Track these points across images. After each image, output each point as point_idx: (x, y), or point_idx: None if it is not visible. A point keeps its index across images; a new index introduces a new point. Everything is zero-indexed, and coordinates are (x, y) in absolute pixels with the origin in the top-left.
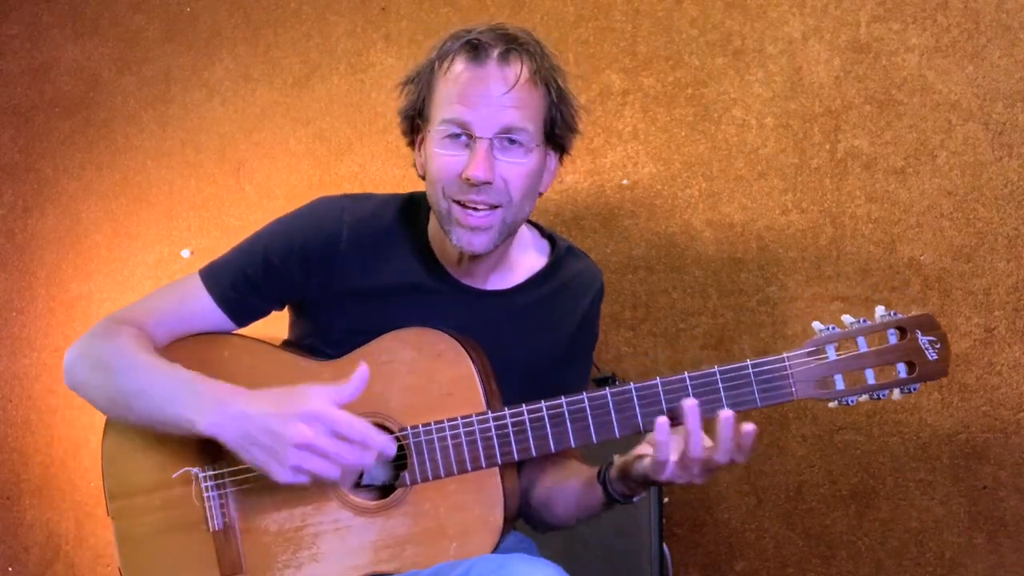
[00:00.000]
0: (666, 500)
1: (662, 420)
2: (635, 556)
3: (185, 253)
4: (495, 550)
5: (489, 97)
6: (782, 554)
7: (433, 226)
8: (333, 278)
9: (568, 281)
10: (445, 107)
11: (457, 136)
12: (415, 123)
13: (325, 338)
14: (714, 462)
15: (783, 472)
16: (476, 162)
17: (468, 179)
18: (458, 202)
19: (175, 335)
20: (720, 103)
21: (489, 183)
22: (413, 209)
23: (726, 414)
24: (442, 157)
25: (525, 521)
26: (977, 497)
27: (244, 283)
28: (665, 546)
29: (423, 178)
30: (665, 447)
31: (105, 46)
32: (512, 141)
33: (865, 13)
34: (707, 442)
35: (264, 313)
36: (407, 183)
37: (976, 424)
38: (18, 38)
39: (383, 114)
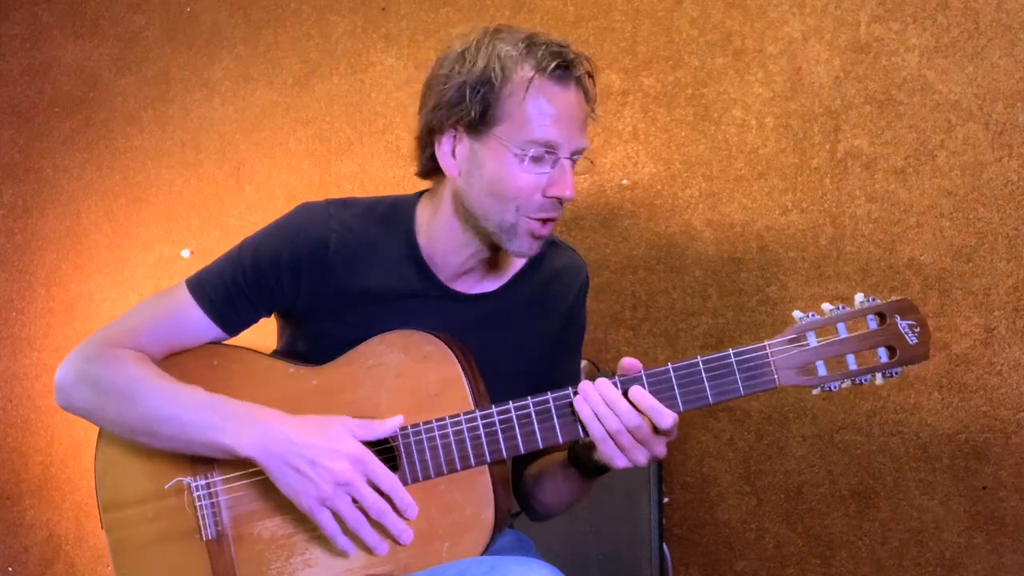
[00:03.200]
0: (666, 500)
1: (578, 400)
2: (635, 556)
3: (185, 253)
4: (488, 548)
5: (573, 120)
6: (782, 554)
7: (424, 231)
8: (322, 285)
9: (551, 276)
10: (534, 126)
11: (541, 157)
12: (465, 120)
13: (315, 345)
14: (635, 432)
15: (783, 472)
16: (568, 183)
17: (561, 199)
18: (532, 217)
19: (166, 350)
20: (720, 103)
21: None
22: (399, 214)
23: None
24: (528, 176)
25: (524, 512)
26: (977, 497)
27: (234, 292)
28: (665, 546)
29: (425, 175)
30: (591, 423)
31: (105, 46)
32: (576, 161)
33: (865, 13)
34: (634, 419)
35: (254, 321)
36: (407, 183)
37: (976, 424)
38: (18, 38)
39: (383, 114)
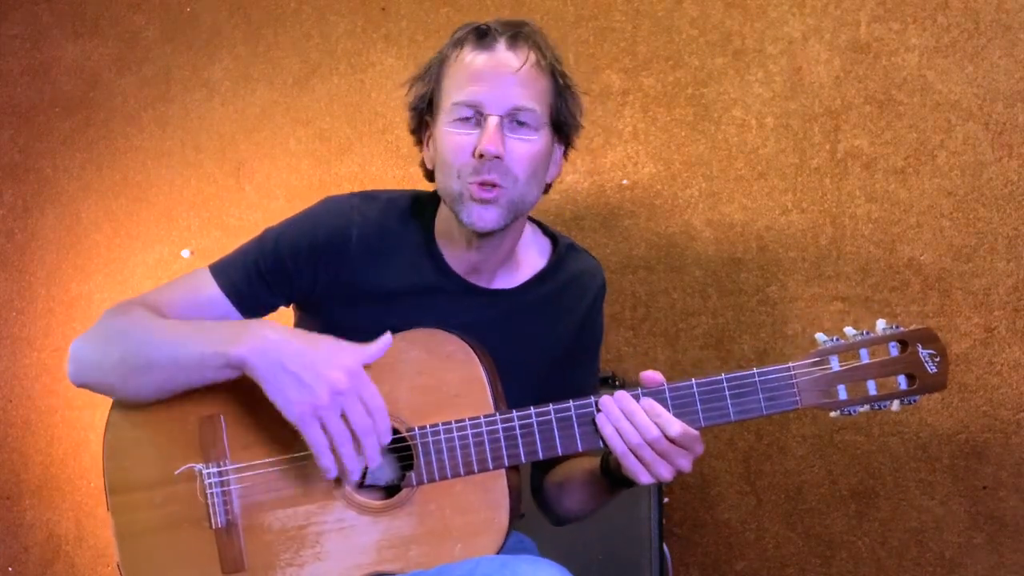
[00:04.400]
0: (666, 500)
1: (600, 417)
2: (635, 556)
3: (185, 253)
4: (501, 551)
5: (499, 77)
6: (782, 554)
7: (440, 225)
8: (342, 275)
9: (570, 279)
10: (456, 91)
11: (468, 118)
12: (423, 119)
13: (334, 335)
14: (654, 444)
15: (783, 472)
16: (488, 136)
17: (481, 153)
18: (471, 182)
19: None
20: (720, 103)
21: (499, 157)
22: (419, 208)
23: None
24: (454, 136)
25: (542, 514)
26: (977, 497)
27: (255, 276)
28: (665, 546)
29: (428, 177)
30: (613, 439)
31: (105, 46)
32: (520, 122)
33: (865, 13)
34: (652, 432)
35: (272, 308)
36: (407, 183)
37: (976, 424)
38: (18, 38)
39: (383, 114)
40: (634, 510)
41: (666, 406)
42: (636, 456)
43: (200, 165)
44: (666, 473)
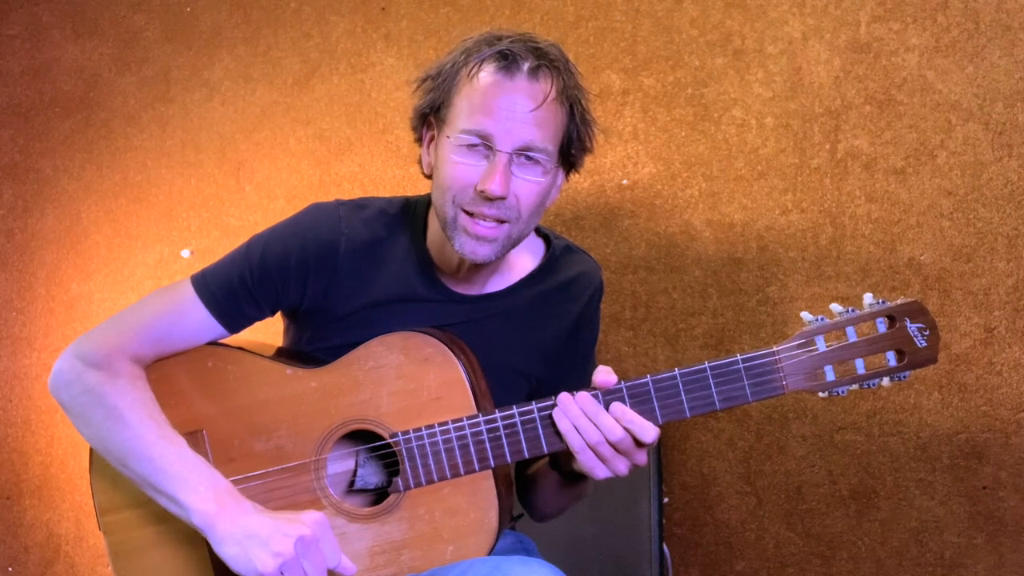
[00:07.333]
0: (666, 500)
1: (556, 411)
2: (635, 556)
3: (185, 253)
4: (492, 551)
5: (514, 112)
6: (782, 554)
7: (432, 232)
8: (330, 287)
9: (564, 280)
10: (468, 115)
11: (475, 146)
12: (428, 120)
13: (319, 345)
14: (617, 445)
15: (783, 472)
16: (494, 176)
17: (484, 192)
18: (467, 211)
19: (167, 348)
20: (720, 103)
21: (504, 198)
22: (409, 214)
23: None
24: (458, 165)
25: (527, 513)
26: (977, 497)
27: (240, 289)
28: (665, 546)
29: (428, 176)
30: (570, 435)
31: (105, 46)
32: (530, 159)
33: (865, 13)
34: (616, 433)
35: (257, 319)
36: (407, 183)
37: (976, 424)
38: (18, 38)
39: (383, 114)
40: (634, 510)
41: (651, 398)
42: (595, 453)
43: (200, 165)
44: (624, 469)
